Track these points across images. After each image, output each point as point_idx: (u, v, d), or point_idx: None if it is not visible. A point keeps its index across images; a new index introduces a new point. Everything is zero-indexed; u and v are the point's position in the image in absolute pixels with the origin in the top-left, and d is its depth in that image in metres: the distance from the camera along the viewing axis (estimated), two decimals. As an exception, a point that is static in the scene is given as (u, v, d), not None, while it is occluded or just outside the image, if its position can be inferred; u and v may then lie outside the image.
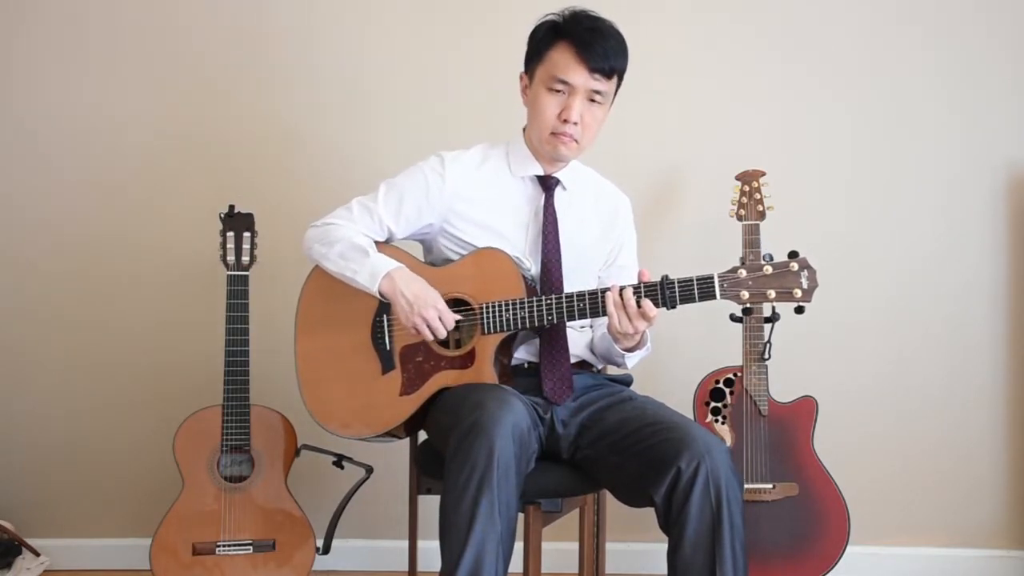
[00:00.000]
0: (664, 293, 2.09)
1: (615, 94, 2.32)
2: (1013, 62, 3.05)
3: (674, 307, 2.09)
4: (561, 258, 2.30)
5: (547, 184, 2.35)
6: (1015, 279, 3.06)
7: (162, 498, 2.78)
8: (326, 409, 2.36)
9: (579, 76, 2.22)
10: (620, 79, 2.30)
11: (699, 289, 2.07)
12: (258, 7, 3.13)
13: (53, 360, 3.15)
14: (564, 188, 2.37)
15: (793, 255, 2.05)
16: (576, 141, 2.27)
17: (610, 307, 2.12)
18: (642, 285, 2.11)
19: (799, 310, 2.06)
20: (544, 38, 2.27)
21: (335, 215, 2.37)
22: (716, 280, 2.07)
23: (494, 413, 1.98)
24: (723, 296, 2.07)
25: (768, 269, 2.05)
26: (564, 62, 2.23)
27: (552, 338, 2.27)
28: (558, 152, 2.29)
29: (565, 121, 2.24)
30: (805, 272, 2.04)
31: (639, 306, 2.10)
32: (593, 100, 2.25)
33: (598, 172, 2.49)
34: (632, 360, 2.34)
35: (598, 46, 2.21)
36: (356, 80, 3.12)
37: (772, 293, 2.05)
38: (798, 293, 2.04)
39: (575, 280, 2.30)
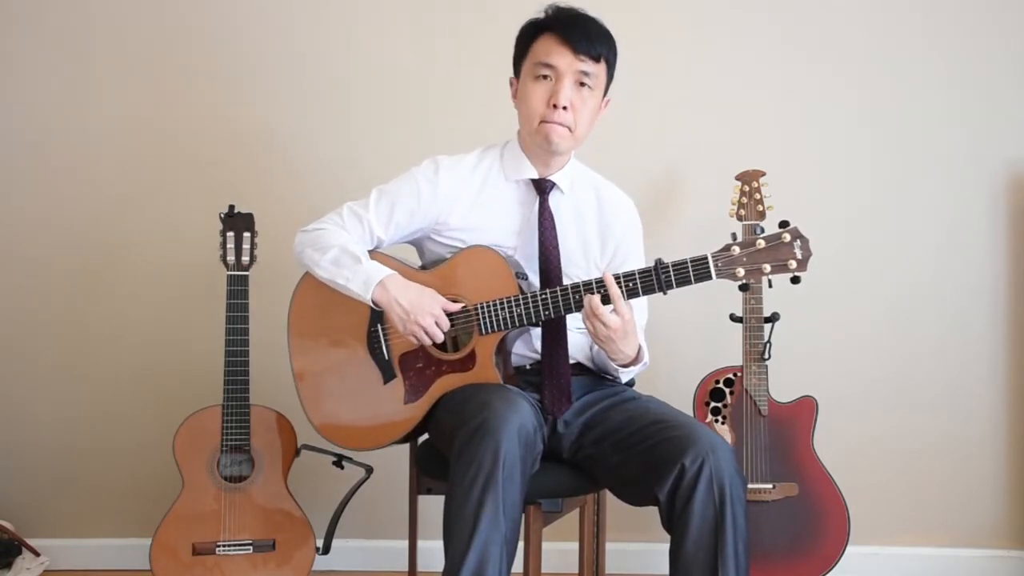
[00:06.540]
0: (659, 277, 2.06)
1: (607, 86, 2.27)
2: (1014, 62, 3.05)
3: (670, 289, 2.06)
4: (561, 263, 2.27)
5: (541, 188, 2.30)
6: (1015, 279, 3.06)
7: (162, 498, 2.78)
8: (332, 425, 2.35)
9: (564, 58, 2.19)
10: (611, 69, 2.26)
11: (694, 270, 2.04)
12: (258, 10, 3.12)
13: (53, 360, 3.14)
14: (561, 191, 2.33)
15: (784, 225, 2.03)
16: (569, 129, 2.22)
17: (587, 325, 2.10)
18: (593, 282, 2.10)
19: (795, 280, 2.05)
20: (526, 34, 2.27)
21: (326, 220, 2.34)
22: (710, 259, 2.04)
23: (501, 414, 1.98)
24: (719, 275, 2.04)
25: (761, 243, 2.02)
26: (547, 47, 2.21)
27: (553, 348, 2.25)
28: (550, 142, 2.22)
29: (554, 107, 2.19)
30: (798, 242, 2.02)
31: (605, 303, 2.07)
32: (583, 84, 2.21)
33: (599, 173, 2.43)
34: (627, 376, 2.32)
35: (580, 30, 2.19)
36: (357, 80, 3.11)
37: (768, 267, 2.02)
38: (793, 264, 2.02)
39: None
